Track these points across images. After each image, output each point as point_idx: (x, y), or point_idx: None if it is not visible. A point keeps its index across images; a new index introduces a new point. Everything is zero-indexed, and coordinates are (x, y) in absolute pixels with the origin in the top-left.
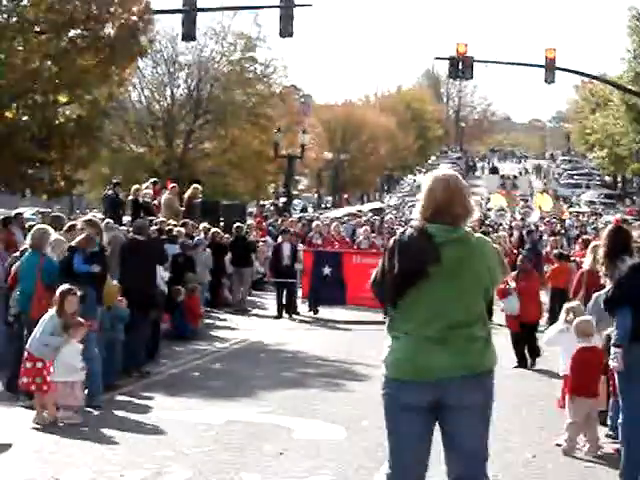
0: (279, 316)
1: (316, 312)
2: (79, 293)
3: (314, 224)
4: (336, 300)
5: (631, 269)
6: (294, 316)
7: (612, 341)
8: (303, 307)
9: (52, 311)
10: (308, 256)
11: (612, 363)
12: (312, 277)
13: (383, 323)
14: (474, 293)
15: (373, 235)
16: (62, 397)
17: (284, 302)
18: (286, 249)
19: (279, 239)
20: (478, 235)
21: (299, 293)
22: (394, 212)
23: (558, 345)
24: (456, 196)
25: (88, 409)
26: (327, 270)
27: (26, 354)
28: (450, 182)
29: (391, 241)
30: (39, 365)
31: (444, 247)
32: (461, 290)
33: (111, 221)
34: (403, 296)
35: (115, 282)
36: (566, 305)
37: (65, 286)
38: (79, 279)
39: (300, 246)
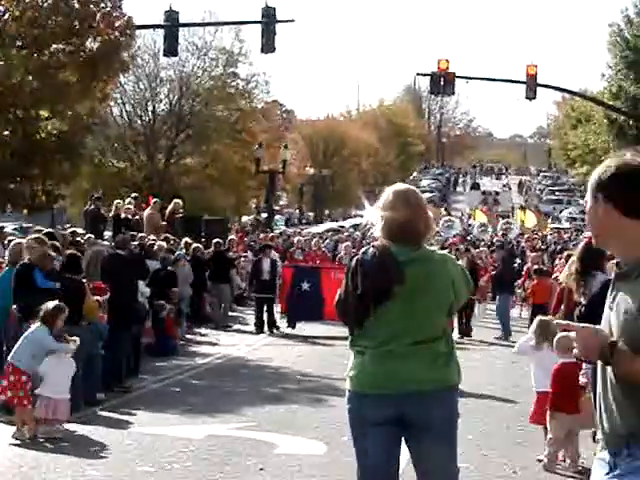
0: (259, 331)
1: (293, 327)
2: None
3: (295, 239)
4: (314, 315)
5: (603, 286)
6: (274, 331)
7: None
8: (282, 322)
9: (38, 325)
10: (287, 271)
11: (582, 379)
12: (291, 292)
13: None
14: (438, 310)
15: (354, 251)
16: (47, 412)
17: (264, 317)
18: (266, 264)
19: (260, 254)
20: (441, 252)
21: (277, 308)
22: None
23: (527, 355)
24: (417, 213)
25: (69, 426)
26: (306, 285)
27: (10, 368)
28: (410, 198)
29: (353, 261)
30: (24, 378)
31: (408, 266)
32: (425, 308)
33: (92, 236)
34: (368, 316)
35: (96, 297)
36: (537, 319)
37: (55, 303)
38: (39, 295)
39: (279, 262)
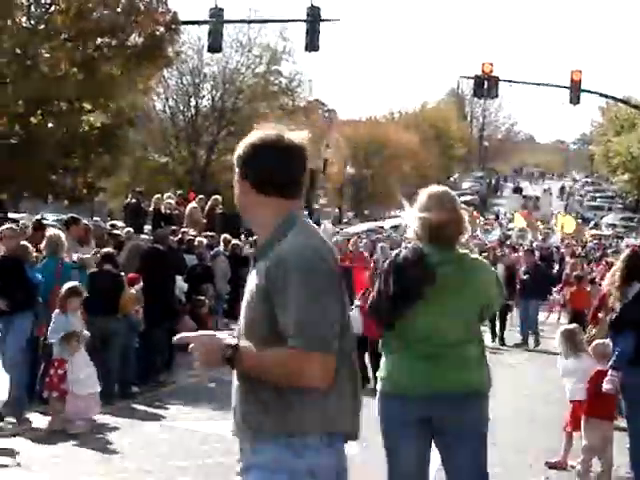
0: None
1: None
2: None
3: (333, 239)
4: None
5: (637, 294)
6: None
7: (610, 363)
8: None
9: (56, 311)
10: None
11: (606, 385)
12: None
13: None
14: (468, 314)
15: (391, 252)
16: (78, 410)
17: None
18: None
19: None
20: (474, 256)
21: None
22: None
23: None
24: (451, 215)
25: (104, 418)
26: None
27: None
28: (445, 201)
29: (386, 263)
30: (61, 372)
31: (439, 268)
32: (456, 310)
33: (131, 230)
34: (399, 317)
35: (133, 290)
36: (560, 331)
37: (70, 285)
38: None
39: None
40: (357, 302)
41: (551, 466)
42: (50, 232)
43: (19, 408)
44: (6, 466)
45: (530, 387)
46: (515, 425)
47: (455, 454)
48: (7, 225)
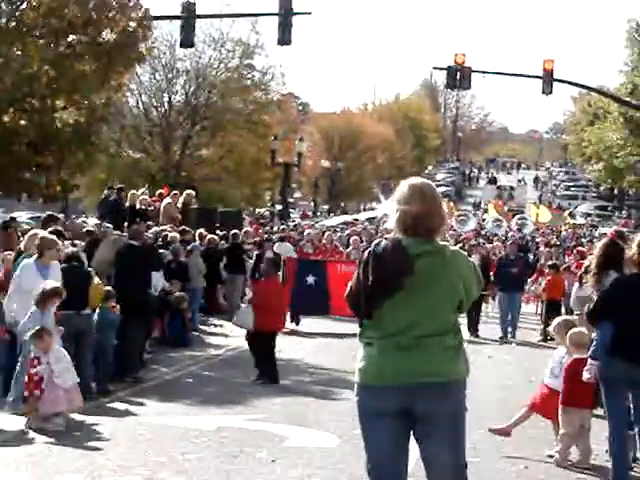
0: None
1: (298, 323)
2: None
3: (306, 232)
4: (320, 310)
5: (613, 283)
6: None
7: (589, 353)
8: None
9: (32, 309)
10: (290, 265)
11: (585, 375)
12: (295, 286)
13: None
14: (447, 305)
15: (363, 245)
16: (63, 403)
17: None
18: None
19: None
20: (453, 248)
21: None
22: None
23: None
24: (432, 206)
25: (81, 416)
26: (311, 279)
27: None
28: (426, 192)
29: (365, 253)
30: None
31: (418, 259)
32: (434, 301)
33: (110, 226)
34: (378, 307)
35: (106, 289)
36: (557, 320)
37: (53, 285)
38: None
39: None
40: (247, 297)
41: (496, 432)
42: (32, 232)
43: None
44: None
45: (509, 377)
46: (494, 414)
47: (433, 444)
48: None
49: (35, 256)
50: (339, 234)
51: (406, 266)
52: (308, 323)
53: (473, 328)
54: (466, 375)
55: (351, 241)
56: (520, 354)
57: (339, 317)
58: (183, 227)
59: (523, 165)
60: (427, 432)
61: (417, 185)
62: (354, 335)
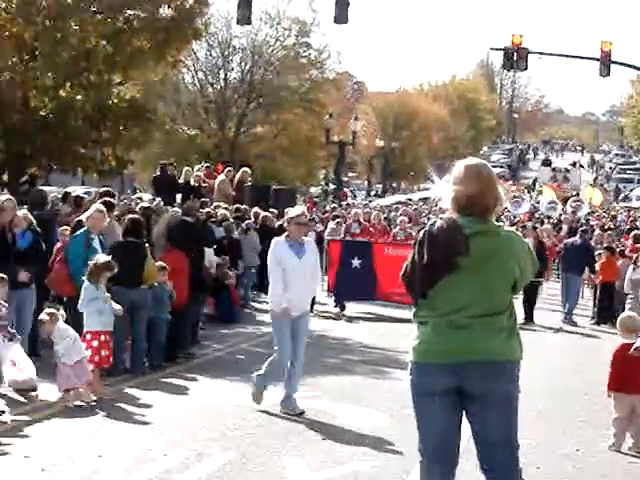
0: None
1: (343, 308)
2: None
3: (352, 212)
4: (365, 294)
5: None
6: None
7: None
8: (330, 301)
9: (85, 283)
10: (335, 246)
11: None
12: (339, 269)
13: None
14: (502, 285)
15: (409, 225)
16: (73, 380)
17: None
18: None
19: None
20: (508, 228)
21: (324, 287)
22: None
23: None
24: (487, 187)
25: (133, 391)
26: (356, 262)
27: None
28: (482, 172)
29: (420, 233)
30: (95, 343)
31: (473, 239)
32: (488, 281)
33: (162, 202)
34: (432, 287)
35: (161, 263)
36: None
37: (105, 258)
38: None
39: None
40: None
41: None
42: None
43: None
44: (37, 440)
45: (562, 360)
46: (546, 397)
47: (485, 423)
48: (6, 196)
49: (83, 229)
50: (393, 214)
51: (461, 245)
52: (352, 307)
53: (529, 315)
54: (520, 357)
55: (398, 221)
56: (570, 338)
57: (386, 303)
58: (237, 205)
59: (577, 147)
60: (479, 411)
61: (473, 165)
62: (402, 320)
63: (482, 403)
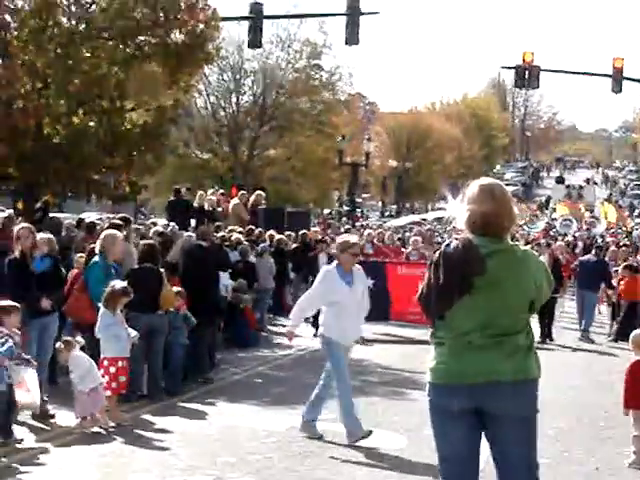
0: (316, 334)
1: None
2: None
3: (366, 232)
4: (380, 315)
5: None
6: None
7: None
8: None
9: (102, 310)
10: None
11: None
12: None
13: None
14: (518, 304)
15: (422, 245)
16: (88, 405)
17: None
18: (323, 261)
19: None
20: (524, 248)
21: None
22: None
23: None
24: (502, 206)
25: (151, 416)
26: (369, 282)
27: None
28: (496, 192)
29: (436, 253)
30: (113, 369)
31: (489, 258)
32: (505, 301)
33: (176, 226)
34: (449, 308)
35: (177, 288)
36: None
37: (122, 284)
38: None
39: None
40: None
41: None
42: (106, 232)
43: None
44: (57, 467)
45: (580, 377)
46: (565, 415)
47: (504, 444)
48: (24, 224)
49: (99, 255)
50: (407, 234)
51: (477, 265)
52: (367, 329)
53: (546, 333)
54: (537, 375)
55: (410, 241)
56: (587, 356)
57: (401, 323)
58: (250, 227)
59: (591, 163)
60: (498, 432)
61: (487, 185)
62: (418, 342)
63: (501, 423)
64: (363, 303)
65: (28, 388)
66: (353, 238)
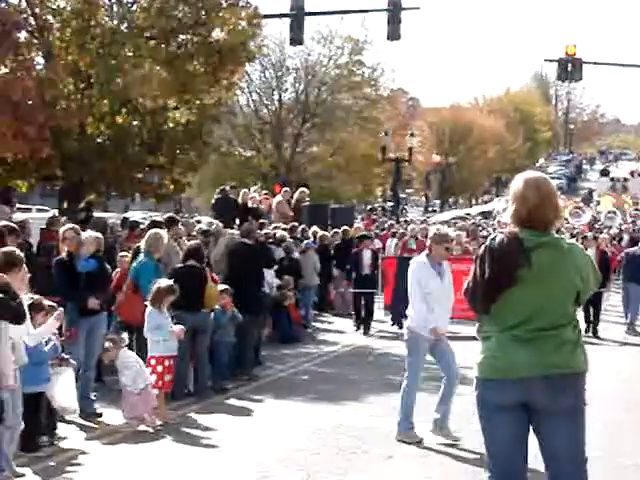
0: (358, 328)
1: (401, 327)
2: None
3: (409, 227)
4: None
5: None
6: (371, 332)
7: None
8: (387, 319)
9: (149, 308)
10: (389, 263)
11: None
12: (395, 287)
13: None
14: (564, 297)
15: (467, 240)
16: (137, 407)
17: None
18: (366, 256)
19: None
20: (569, 240)
21: (380, 304)
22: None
23: None
24: (547, 200)
25: (197, 414)
26: None
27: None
28: (541, 186)
29: (482, 247)
30: (160, 368)
31: (534, 251)
32: (551, 294)
33: (221, 224)
34: (494, 302)
35: (222, 286)
36: None
37: (168, 282)
38: (82, 281)
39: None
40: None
41: None
42: (151, 231)
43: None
44: (105, 465)
45: (627, 371)
46: (612, 408)
47: (552, 438)
48: (69, 225)
49: (146, 254)
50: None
51: (520, 258)
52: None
53: (593, 327)
54: (585, 369)
55: (453, 236)
56: (634, 350)
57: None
58: (294, 224)
59: (635, 156)
60: (546, 426)
61: (532, 179)
62: (463, 338)
63: (548, 417)
64: (451, 295)
65: (65, 391)
66: (450, 232)
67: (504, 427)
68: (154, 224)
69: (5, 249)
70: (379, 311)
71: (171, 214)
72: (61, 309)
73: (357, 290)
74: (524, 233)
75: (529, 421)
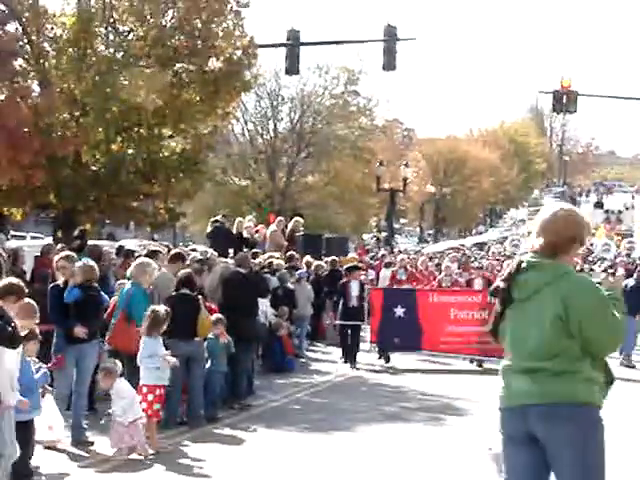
0: (346, 361)
1: (387, 360)
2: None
3: (399, 258)
4: (411, 345)
5: None
6: (355, 367)
7: None
8: (373, 353)
9: (144, 338)
10: (376, 295)
11: None
12: (382, 319)
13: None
14: (546, 324)
15: (458, 271)
16: (125, 438)
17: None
18: (354, 288)
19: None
20: (580, 275)
21: (367, 338)
22: (497, 246)
23: None
24: (562, 232)
25: (190, 443)
26: (400, 311)
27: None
28: (546, 213)
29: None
30: (151, 397)
31: (525, 272)
32: (531, 320)
33: (215, 254)
34: (498, 320)
35: (216, 315)
36: None
37: (163, 308)
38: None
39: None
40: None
41: None
42: (138, 260)
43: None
44: None
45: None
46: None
47: (557, 469)
48: (63, 254)
49: (133, 282)
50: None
51: (509, 277)
52: (398, 359)
53: None
54: (588, 400)
55: (443, 267)
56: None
57: (433, 353)
58: (292, 253)
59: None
60: (549, 456)
61: (545, 208)
62: (452, 372)
63: (549, 447)
64: None
65: (50, 424)
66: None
67: (517, 457)
68: (152, 254)
69: (5, 280)
70: (365, 344)
71: (179, 250)
72: None
73: (343, 322)
74: (530, 255)
75: (540, 451)
